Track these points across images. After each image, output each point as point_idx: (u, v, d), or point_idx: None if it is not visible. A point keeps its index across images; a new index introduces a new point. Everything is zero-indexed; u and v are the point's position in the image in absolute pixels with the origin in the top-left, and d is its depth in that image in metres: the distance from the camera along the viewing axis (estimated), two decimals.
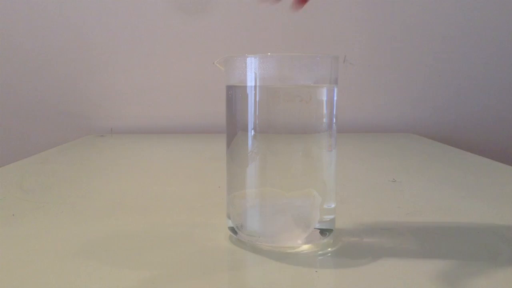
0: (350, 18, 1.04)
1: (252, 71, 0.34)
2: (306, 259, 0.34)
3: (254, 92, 0.34)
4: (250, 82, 0.34)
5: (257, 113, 0.34)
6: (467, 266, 0.33)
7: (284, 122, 0.35)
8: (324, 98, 0.35)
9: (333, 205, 0.37)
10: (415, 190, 0.55)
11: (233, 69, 0.36)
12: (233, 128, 0.36)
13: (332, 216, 0.37)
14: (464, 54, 1.06)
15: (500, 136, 1.08)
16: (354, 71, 1.03)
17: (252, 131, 0.35)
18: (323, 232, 0.36)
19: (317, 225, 0.35)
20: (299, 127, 0.35)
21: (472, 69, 1.06)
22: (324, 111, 0.35)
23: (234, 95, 0.36)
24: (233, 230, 0.37)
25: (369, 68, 1.05)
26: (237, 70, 0.36)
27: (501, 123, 1.08)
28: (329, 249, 0.36)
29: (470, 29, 1.05)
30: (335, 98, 0.36)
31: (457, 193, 0.53)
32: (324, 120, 0.35)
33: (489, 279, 0.31)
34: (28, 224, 0.42)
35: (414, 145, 0.91)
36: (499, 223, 0.42)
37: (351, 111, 1.05)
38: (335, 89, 0.36)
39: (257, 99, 0.34)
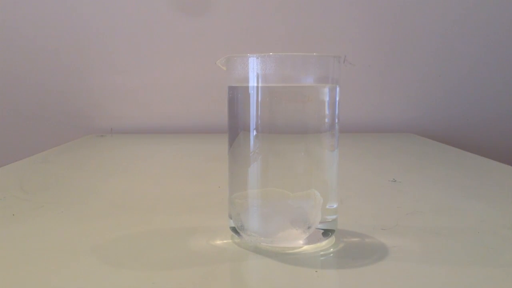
0: (350, 18, 1.04)
1: (254, 71, 0.34)
2: (307, 259, 0.34)
3: (256, 92, 0.34)
4: (252, 82, 0.34)
5: (259, 113, 0.34)
6: (467, 267, 0.33)
7: (286, 122, 0.35)
8: (327, 98, 0.35)
9: (335, 205, 0.37)
10: (415, 190, 0.55)
11: (234, 69, 0.36)
12: (235, 128, 0.36)
13: (334, 216, 0.37)
14: (463, 54, 1.06)
15: (500, 136, 1.08)
16: (354, 71, 1.03)
17: (254, 131, 0.35)
18: (325, 232, 0.36)
19: (319, 226, 0.35)
20: (301, 127, 0.35)
21: (472, 69, 1.06)
22: (326, 111, 0.35)
23: (236, 95, 0.36)
24: (234, 230, 0.37)
25: (369, 68, 1.05)
26: (239, 70, 0.36)
27: (501, 123, 1.08)
28: (331, 249, 0.36)
29: (470, 29, 1.05)
30: (337, 98, 0.36)
31: (457, 193, 0.54)
32: (326, 120, 0.35)
33: (489, 280, 0.31)
34: (28, 224, 0.42)
35: (414, 145, 0.91)
36: (499, 223, 0.43)
37: (351, 111, 1.05)
38: (338, 89, 0.36)
39: (259, 99, 0.34)
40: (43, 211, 0.46)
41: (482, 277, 0.31)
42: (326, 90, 0.36)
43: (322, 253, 0.35)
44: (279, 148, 0.35)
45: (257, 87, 0.34)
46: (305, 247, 0.35)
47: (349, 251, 0.36)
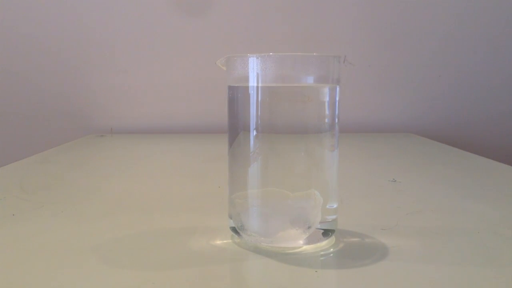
0: (350, 18, 1.04)
1: (254, 71, 0.34)
2: (307, 259, 0.34)
3: (256, 92, 0.34)
4: (253, 82, 0.34)
5: (259, 113, 0.34)
6: (467, 267, 0.33)
7: (287, 122, 0.35)
8: (327, 98, 0.35)
9: (335, 205, 0.37)
10: (415, 190, 0.55)
11: (234, 68, 0.36)
12: (235, 128, 0.36)
13: (334, 216, 0.37)
14: (464, 54, 1.06)
15: (500, 136, 1.08)
16: (354, 71, 1.03)
17: (254, 131, 0.35)
18: (325, 232, 0.36)
19: (319, 226, 0.35)
20: (301, 127, 0.35)
21: (472, 69, 1.06)
22: (327, 111, 0.35)
23: (236, 95, 0.36)
24: (234, 230, 0.37)
25: (369, 68, 1.05)
26: (238, 70, 0.36)
27: (501, 123, 1.08)
28: (331, 249, 0.36)
29: (470, 29, 1.05)
30: (337, 98, 0.36)
31: (457, 193, 0.54)
32: (327, 120, 0.35)
33: (489, 280, 0.31)
34: (28, 224, 0.42)
35: (414, 145, 0.91)
36: (499, 223, 0.43)
37: (351, 111, 1.05)
38: (338, 89, 0.36)
39: (259, 99, 0.34)
40: (43, 211, 0.46)
41: (482, 277, 0.31)
42: (326, 90, 0.36)
43: (322, 253, 0.35)
44: (279, 148, 0.35)
45: (257, 87, 0.34)
46: (305, 247, 0.35)
47: (349, 251, 0.36)
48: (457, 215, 0.45)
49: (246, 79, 0.35)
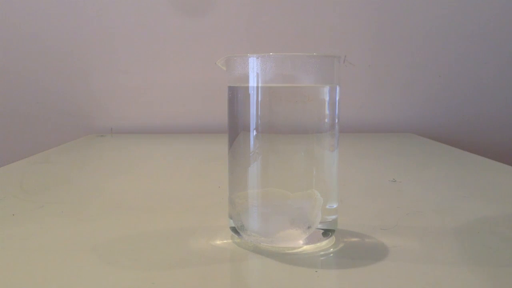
0: (350, 18, 1.04)
1: (254, 71, 0.34)
2: (307, 259, 0.34)
3: (256, 92, 0.34)
4: (253, 82, 0.34)
5: (259, 113, 0.34)
6: (467, 267, 0.33)
7: (287, 122, 0.35)
8: (327, 98, 0.35)
9: (335, 205, 0.37)
10: (415, 190, 0.55)
11: (234, 69, 0.36)
12: (235, 129, 0.36)
13: (334, 216, 0.37)
14: (464, 54, 1.06)
15: (500, 136, 1.08)
16: (354, 71, 1.03)
17: (254, 131, 0.35)
18: (325, 232, 0.36)
19: (319, 226, 0.35)
20: (301, 127, 0.35)
21: (472, 69, 1.06)
22: (327, 111, 0.35)
23: (236, 95, 0.36)
24: (234, 230, 0.37)
25: (369, 68, 1.05)
26: (238, 70, 0.36)
27: (501, 123, 1.08)
28: (331, 249, 0.36)
29: (470, 29, 1.05)
30: (337, 98, 0.36)
31: (457, 193, 0.54)
32: (327, 120, 0.35)
33: (489, 280, 0.31)
34: (28, 224, 0.42)
35: (414, 145, 0.91)
36: (499, 223, 0.43)
37: (350, 111, 1.05)
38: (338, 89, 0.36)
39: (259, 99, 0.34)
40: (43, 211, 0.46)
41: (482, 277, 0.31)
42: (326, 90, 0.36)
43: (322, 253, 0.35)
44: (279, 148, 0.35)
45: (257, 87, 0.34)
46: (305, 247, 0.35)
47: (349, 251, 0.36)
48: (457, 215, 0.45)
49: (246, 79, 0.35)
